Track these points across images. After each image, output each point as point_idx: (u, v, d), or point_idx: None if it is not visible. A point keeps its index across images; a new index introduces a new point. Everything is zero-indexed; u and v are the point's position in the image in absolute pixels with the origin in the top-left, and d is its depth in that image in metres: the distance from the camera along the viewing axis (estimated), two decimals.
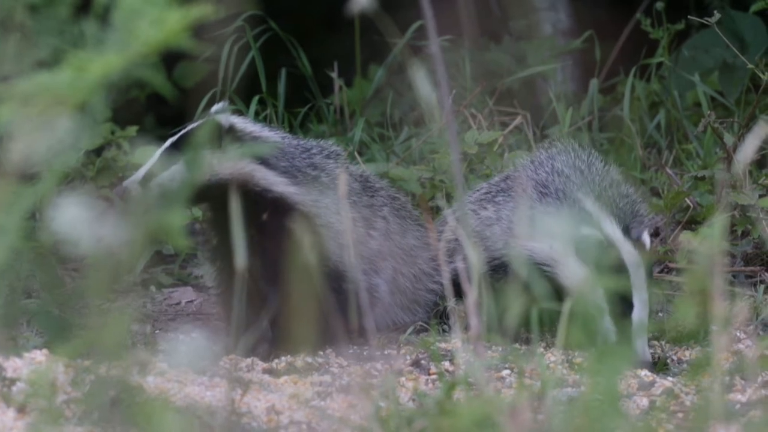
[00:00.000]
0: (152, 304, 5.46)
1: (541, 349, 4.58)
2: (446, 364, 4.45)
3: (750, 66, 5.89)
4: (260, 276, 4.57)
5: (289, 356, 4.49)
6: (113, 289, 2.95)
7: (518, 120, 6.33)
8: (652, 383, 4.22)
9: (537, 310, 3.44)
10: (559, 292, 4.57)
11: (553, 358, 4.39)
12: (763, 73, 5.71)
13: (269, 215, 4.55)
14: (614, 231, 4.58)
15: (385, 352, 4.63)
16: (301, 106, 6.53)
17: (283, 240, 4.50)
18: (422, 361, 4.47)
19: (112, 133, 6.17)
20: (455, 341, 4.62)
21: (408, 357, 4.56)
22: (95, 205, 2.89)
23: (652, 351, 4.61)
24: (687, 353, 4.67)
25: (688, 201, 5.72)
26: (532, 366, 3.82)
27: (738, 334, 4.83)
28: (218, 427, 3.37)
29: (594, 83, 6.69)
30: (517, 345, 4.64)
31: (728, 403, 3.88)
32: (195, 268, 5.80)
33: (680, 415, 3.78)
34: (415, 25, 6.59)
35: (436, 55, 3.34)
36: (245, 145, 4.56)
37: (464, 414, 2.96)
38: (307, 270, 4.30)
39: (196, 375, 3.87)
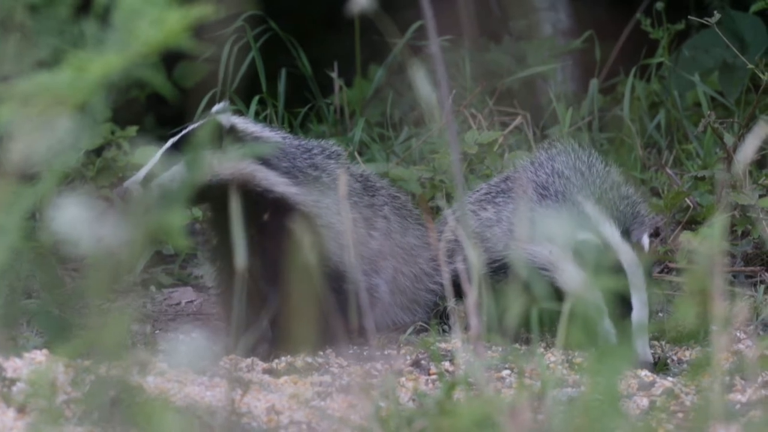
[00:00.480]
0: (152, 304, 5.46)
1: (541, 350, 4.58)
2: (446, 364, 4.45)
3: (750, 66, 5.89)
4: (260, 276, 4.57)
5: (289, 356, 4.49)
6: (113, 289, 2.95)
7: (518, 120, 6.33)
8: (652, 383, 4.22)
9: (537, 311, 3.44)
10: (558, 294, 4.57)
11: (553, 359, 4.39)
12: (763, 73, 5.71)
13: (270, 215, 4.54)
14: (613, 234, 4.58)
15: (385, 352, 4.63)
16: (301, 106, 6.53)
17: (284, 240, 4.50)
18: (422, 361, 4.47)
19: (112, 133, 6.17)
20: (455, 341, 4.62)
21: (408, 357, 4.56)
22: (95, 205, 2.89)
23: (652, 351, 4.61)
24: (687, 353, 4.67)
25: (688, 201, 5.72)
26: (532, 366, 3.82)
27: (738, 334, 4.83)
28: (218, 427, 3.37)
29: (594, 83, 6.69)
30: (517, 345, 4.64)
31: (728, 403, 3.88)
32: (195, 268, 5.80)
33: (680, 415, 3.78)
34: (415, 25, 6.59)
35: (436, 55, 3.34)
36: (246, 146, 4.56)
37: (464, 414, 2.96)
38: (307, 270, 4.30)
39: (196, 375, 3.87)
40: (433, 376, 4.30)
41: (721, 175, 5.60)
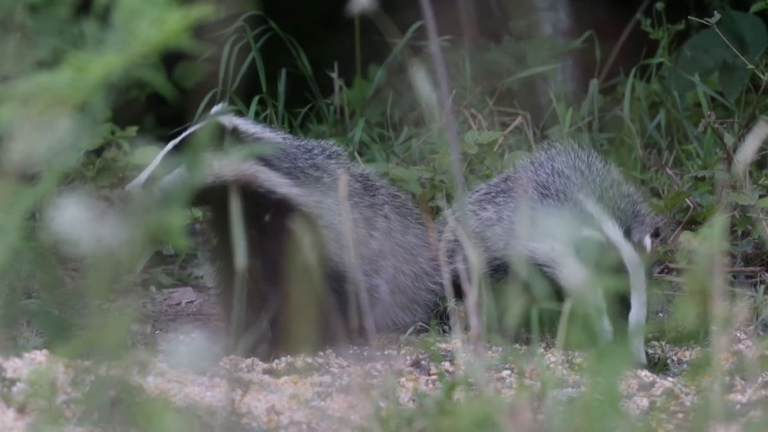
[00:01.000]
0: (152, 304, 5.46)
1: (541, 350, 4.58)
2: (446, 364, 4.45)
3: (750, 66, 5.89)
4: (260, 276, 4.57)
5: (289, 356, 4.49)
6: (113, 289, 2.95)
7: (518, 120, 6.33)
8: (652, 383, 4.22)
9: (537, 311, 3.45)
10: (559, 293, 4.57)
11: (553, 359, 4.39)
12: (763, 74, 5.71)
13: (271, 216, 4.54)
14: (615, 233, 4.58)
15: (385, 353, 4.63)
16: (301, 107, 6.53)
17: (284, 240, 4.50)
18: (422, 362, 4.47)
19: (112, 133, 6.17)
20: (455, 342, 4.62)
21: (408, 357, 4.56)
22: (95, 205, 2.88)
23: (652, 351, 4.61)
24: (687, 353, 4.67)
25: (688, 201, 5.72)
26: (532, 366, 3.82)
27: (738, 334, 4.83)
28: (218, 427, 3.37)
29: (594, 83, 6.69)
30: (517, 345, 4.64)
31: (728, 403, 3.88)
32: (195, 268, 5.80)
33: (680, 415, 3.77)
34: (415, 25, 6.59)
35: (436, 55, 3.34)
36: (249, 147, 4.56)
37: (464, 414, 2.96)
38: (307, 270, 4.30)
39: (196, 375, 3.87)
40: (433, 377, 4.30)
41: (721, 176, 5.60)
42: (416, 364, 4.46)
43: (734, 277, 5.49)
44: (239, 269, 3.38)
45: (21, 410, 3.36)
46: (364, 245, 4.72)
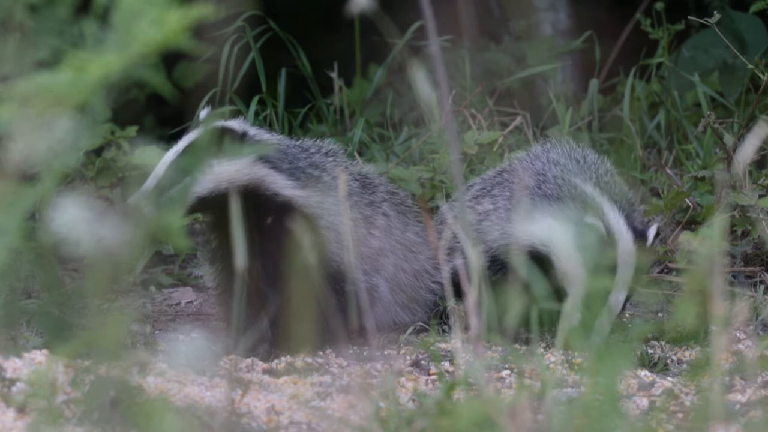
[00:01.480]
0: (152, 304, 5.46)
1: (541, 350, 4.59)
2: (446, 364, 4.45)
3: (750, 66, 5.89)
4: (260, 277, 4.57)
5: (289, 356, 4.49)
6: (113, 289, 2.95)
7: (518, 120, 6.33)
8: (652, 383, 4.22)
9: (537, 310, 3.45)
10: (558, 292, 4.57)
11: (553, 358, 4.39)
12: (763, 73, 5.71)
13: (275, 218, 4.54)
14: (616, 219, 4.60)
15: (385, 353, 4.63)
16: (301, 107, 6.53)
17: (284, 241, 4.50)
18: (422, 362, 4.47)
19: (112, 133, 6.17)
20: (455, 341, 4.62)
21: (408, 357, 4.56)
22: (95, 205, 2.88)
23: (652, 351, 4.61)
24: (687, 353, 4.67)
25: (688, 201, 5.72)
26: (532, 366, 3.82)
27: (738, 334, 4.83)
28: (218, 427, 3.37)
29: (594, 83, 6.69)
30: (517, 345, 4.64)
31: (728, 403, 3.88)
32: (195, 268, 5.80)
33: (680, 415, 3.78)
34: (415, 25, 6.59)
35: (436, 55, 3.34)
36: (256, 150, 4.54)
37: (464, 414, 2.96)
38: (307, 271, 4.30)
39: (196, 375, 3.87)
40: (433, 376, 4.30)
41: (720, 176, 5.61)
42: (416, 364, 4.46)
43: (734, 277, 5.49)
44: (239, 270, 3.38)
45: (21, 410, 3.36)
46: (363, 244, 4.72)
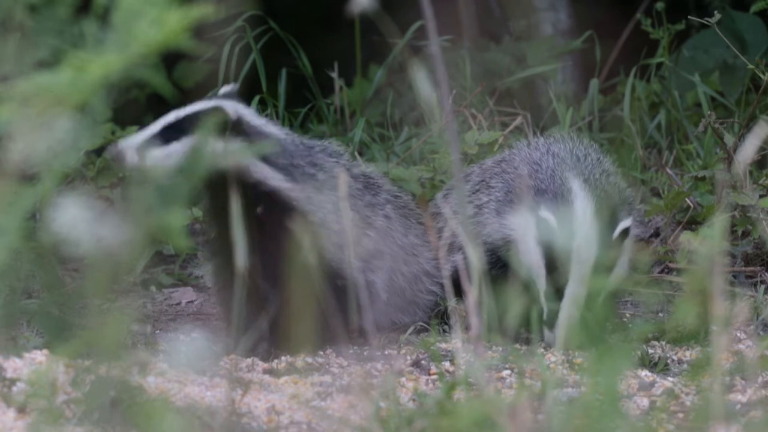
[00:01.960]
0: (152, 304, 5.46)
1: (541, 350, 4.58)
2: (446, 364, 4.45)
3: (750, 66, 5.89)
4: (260, 276, 4.57)
5: (289, 356, 4.49)
6: (113, 289, 2.95)
7: (518, 120, 6.33)
8: (652, 383, 4.22)
9: (536, 310, 3.45)
10: (558, 291, 4.58)
11: (553, 358, 4.39)
12: (763, 73, 5.71)
13: (270, 214, 4.53)
14: (584, 211, 4.60)
15: (386, 353, 4.63)
16: (301, 106, 6.53)
17: (284, 239, 4.49)
18: (422, 362, 4.47)
19: (112, 133, 6.17)
20: (455, 341, 4.62)
21: (408, 357, 4.56)
22: (95, 205, 2.88)
23: (652, 351, 4.61)
24: (687, 353, 4.67)
25: (688, 201, 5.72)
26: (532, 366, 3.82)
27: (738, 334, 4.83)
28: (218, 427, 3.37)
29: (594, 83, 6.69)
30: (517, 345, 4.64)
31: (728, 403, 3.88)
32: (195, 268, 5.80)
33: (680, 415, 3.78)
34: (415, 25, 6.59)
35: (436, 55, 3.34)
36: (249, 141, 4.53)
37: (464, 414, 2.96)
38: (307, 270, 4.30)
39: (196, 375, 3.87)
40: (433, 376, 4.30)
41: (721, 176, 5.60)
42: (416, 364, 4.46)
43: (734, 277, 5.49)
44: (239, 269, 3.38)
45: (21, 410, 3.36)
46: (357, 243, 4.71)
